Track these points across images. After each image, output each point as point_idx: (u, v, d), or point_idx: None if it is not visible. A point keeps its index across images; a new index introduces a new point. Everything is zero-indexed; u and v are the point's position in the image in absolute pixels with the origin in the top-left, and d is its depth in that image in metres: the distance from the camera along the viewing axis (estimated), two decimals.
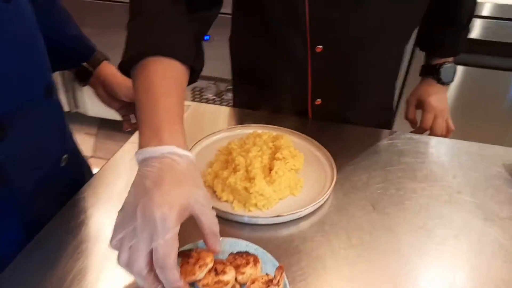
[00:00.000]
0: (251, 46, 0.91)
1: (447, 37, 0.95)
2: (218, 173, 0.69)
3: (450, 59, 0.96)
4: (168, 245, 0.42)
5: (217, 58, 1.78)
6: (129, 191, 0.46)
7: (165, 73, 0.54)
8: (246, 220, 0.63)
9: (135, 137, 0.83)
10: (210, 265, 0.48)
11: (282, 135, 0.78)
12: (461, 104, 1.75)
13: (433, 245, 0.61)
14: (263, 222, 0.62)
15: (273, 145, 0.75)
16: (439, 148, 0.86)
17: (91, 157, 2.56)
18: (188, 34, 0.60)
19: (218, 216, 0.54)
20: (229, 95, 2.14)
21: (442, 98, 0.98)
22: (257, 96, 0.97)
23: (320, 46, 0.80)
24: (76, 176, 0.76)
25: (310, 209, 0.64)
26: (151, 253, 0.43)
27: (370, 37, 0.80)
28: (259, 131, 0.82)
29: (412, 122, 1.04)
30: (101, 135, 2.73)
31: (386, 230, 0.63)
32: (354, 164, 0.78)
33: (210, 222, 0.47)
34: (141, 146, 0.48)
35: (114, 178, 0.71)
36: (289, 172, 0.69)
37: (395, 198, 0.70)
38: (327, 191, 0.67)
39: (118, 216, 0.45)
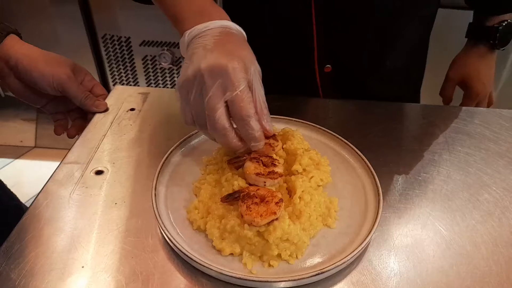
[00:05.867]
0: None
1: None
2: (211, 207, 0.45)
3: (508, 15, 0.73)
4: (245, 93, 0.41)
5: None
6: (182, 68, 0.44)
7: None
8: (266, 285, 0.40)
9: (72, 155, 0.55)
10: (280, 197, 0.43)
11: (292, 132, 0.54)
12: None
13: None
14: (295, 285, 0.40)
15: (283, 148, 0.51)
16: (485, 122, 0.66)
17: (34, 147, 2.21)
18: None
19: (218, 280, 0.40)
20: None
21: (491, 75, 0.77)
22: None
23: None
24: None
25: (361, 249, 0.42)
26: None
27: None
28: None
29: (448, 101, 0.82)
30: (43, 120, 2.35)
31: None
32: (390, 159, 0.56)
33: (262, 97, 0.44)
34: (186, 26, 0.46)
35: (45, 235, 0.45)
36: (317, 192, 0.46)
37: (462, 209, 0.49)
38: (375, 214, 0.45)
39: (179, 93, 0.44)
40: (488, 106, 0.80)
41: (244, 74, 0.41)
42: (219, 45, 0.42)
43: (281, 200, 0.42)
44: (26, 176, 1.93)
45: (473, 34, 0.76)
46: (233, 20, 0.71)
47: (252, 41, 0.70)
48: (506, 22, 0.72)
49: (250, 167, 0.45)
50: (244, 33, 0.47)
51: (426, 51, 0.77)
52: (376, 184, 0.49)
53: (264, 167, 0.46)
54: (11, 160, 2.08)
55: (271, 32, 0.67)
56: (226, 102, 0.41)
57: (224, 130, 0.42)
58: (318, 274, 0.39)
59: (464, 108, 0.70)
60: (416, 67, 0.79)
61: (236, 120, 0.42)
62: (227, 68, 0.40)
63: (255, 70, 0.43)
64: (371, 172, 0.50)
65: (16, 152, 2.13)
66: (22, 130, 2.29)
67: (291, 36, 0.66)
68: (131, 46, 1.72)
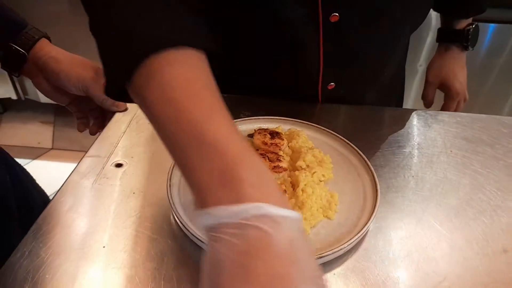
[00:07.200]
0: (235, 17, 0.68)
1: None
2: None
3: (471, 19, 0.81)
4: None
5: None
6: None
7: (190, 73, 0.32)
8: None
9: (94, 150, 0.60)
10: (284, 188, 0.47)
11: (297, 132, 0.58)
12: None
13: None
14: None
15: (289, 146, 0.55)
16: (483, 127, 0.69)
17: (51, 148, 2.28)
18: (187, 5, 0.37)
19: None
20: None
21: (465, 74, 0.85)
22: (244, 81, 0.76)
23: (336, 14, 0.60)
24: None
25: (357, 238, 0.45)
26: None
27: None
28: (264, 126, 0.62)
29: (430, 104, 0.89)
30: (59, 123, 2.44)
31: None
32: (390, 159, 0.60)
33: None
34: (204, 202, 0.29)
35: (70, 219, 0.49)
36: (319, 187, 0.50)
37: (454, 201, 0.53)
38: (372, 208, 0.49)
39: None
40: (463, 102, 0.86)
41: None
42: (237, 280, 0.25)
43: (284, 191, 0.46)
44: (43, 176, 1.99)
45: (445, 38, 0.83)
46: (230, 36, 0.71)
47: (256, 61, 0.73)
48: (474, 25, 0.79)
49: None
50: (296, 220, 0.28)
51: (406, 58, 0.83)
52: (375, 181, 0.52)
53: (270, 162, 0.50)
54: (29, 160, 2.15)
55: (274, 53, 0.68)
56: None
57: None
58: (317, 259, 0.42)
59: (464, 114, 0.73)
60: (401, 75, 0.85)
61: None
62: None
63: None
64: (371, 170, 0.54)
65: (34, 153, 2.21)
66: (40, 132, 2.37)
67: (297, 59, 0.67)
68: None
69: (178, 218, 0.46)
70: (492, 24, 1.51)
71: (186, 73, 0.32)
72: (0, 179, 0.63)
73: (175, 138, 0.30)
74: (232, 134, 0.30)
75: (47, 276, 0.42)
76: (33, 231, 0.47)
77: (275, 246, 0.25)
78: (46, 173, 2.10)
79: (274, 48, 0.67)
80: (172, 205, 0.47)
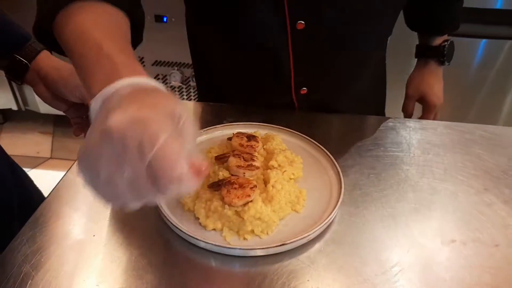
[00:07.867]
0: (214, 26, 0.74)
1: (446, 12, 0.85)
2: (199, 193, 0.54)
3: (446, 36, 0.87)
4: (171, 148, 0.31)
5: (178, 41, 1.61)
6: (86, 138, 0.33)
7: (100, 18, 0.43)
8: (240, 253, 0.49)
9: None
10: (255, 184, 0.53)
11: (272, 136, 0.64)
12: None
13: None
14: (263, 253, 0.49)
15: (264, 148, 0.61)
16: (448, 133, 0.75)
17: (50, 158, 2.33)
18: None
19: (203, 249, 0.50)
20: None
21: (441, 88, 0.91)
22: (226, 88, 0.82)
23: (302, 22, 0.66)
24: None
25: (320, 228, 0.51)
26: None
27: (360, 8, 0.67)
28: (243, 130, 0.68)
29: (409, 116, 0.95)
30: (58, 133, 2.49)
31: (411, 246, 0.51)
32: (357, 161, 0.66)
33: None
34: (93, 94, 0.36)
35: (65, 212, 0.55)
36: (288, 184, 0.56)
37: (415, 202, 0.58)
38: (336, 202, 0.54)
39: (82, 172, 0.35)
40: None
41: (167, 121, 0.32)
42: (128, 102, 0.32)
43: (255, 186, 0.51)
44: (41, 185, 2.04)
45: (423, 54, 0.89)
46: (212, 47, 0.77)
47: (231, 65, 0.77)
48: (449, 41, 0.85)
49: (233, 161, 0.55)
50: (163, 87, 0.36)
51: (385, 68, 0.88)
52: (340, 179, 0.58)
53: (245, 161, 0.56)
54: (28, 169, 2.19)
55: (249, 59, 0.74)
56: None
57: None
58: (281, 245, 0.48)
59: (430, 121, 0.79)
60: (380, 85, 0.89)
61: (166, 183, 0.32)
62: (140, 119, 0.31)
63: (183, 109, 0.34)
64: (337, 169, 0.60)
65: (33, 162, 2.26)
66: (39, 142, 2.43)
67: (269, 64, 0.72)
68: (144, 65, 1.85)
69: (162, 212, 0.52)
70: (484, 40, 1.58)
71: (99, 18, 0.43)
72: (5, 179, 0.69)
73: (82, 54, 0.40)
74: (123, 48, 0.40)
75: (42, 260, 0.48)
76: (31, 221, 0.53)
77: (150, 88, 0.35)
78: (45, 181, 2.14)
79: (244, 57, 0.73)
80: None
